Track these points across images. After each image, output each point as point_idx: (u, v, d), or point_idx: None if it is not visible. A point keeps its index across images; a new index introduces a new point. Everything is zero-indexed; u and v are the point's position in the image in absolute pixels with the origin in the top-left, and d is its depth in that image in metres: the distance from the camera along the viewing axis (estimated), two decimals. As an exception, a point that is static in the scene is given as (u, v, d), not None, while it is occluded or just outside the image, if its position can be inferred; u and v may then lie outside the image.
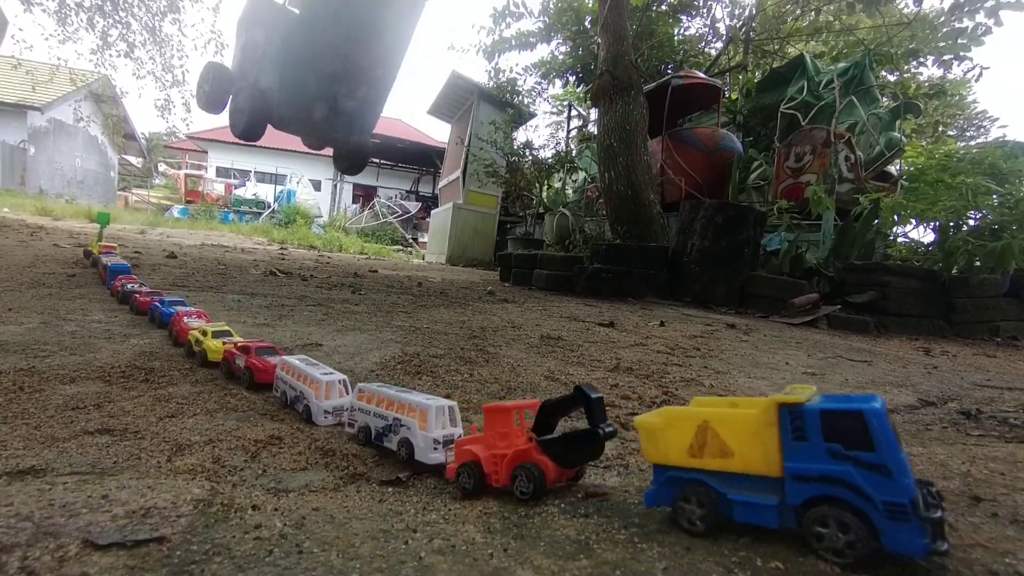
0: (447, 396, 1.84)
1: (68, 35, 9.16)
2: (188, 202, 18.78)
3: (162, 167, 26.23)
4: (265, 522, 0.88)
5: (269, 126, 3.46)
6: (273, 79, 3.27)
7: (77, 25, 9.11)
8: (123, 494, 0.92)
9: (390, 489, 1.12)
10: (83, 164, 19.64)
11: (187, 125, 10.99)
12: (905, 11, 8.73)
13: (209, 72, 3.56)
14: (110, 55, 9.38)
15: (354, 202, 22.26)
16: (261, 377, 1.77)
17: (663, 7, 9.74)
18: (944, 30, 7.34)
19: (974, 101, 15.05)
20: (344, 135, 3.76)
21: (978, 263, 4.84)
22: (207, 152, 24.11)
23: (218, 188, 20.70)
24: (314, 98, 3.46)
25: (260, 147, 23.44)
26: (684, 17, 10.52)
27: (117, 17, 9.20)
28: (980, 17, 6.17)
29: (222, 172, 22.80)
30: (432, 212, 14.20)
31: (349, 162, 4.01)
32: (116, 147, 21.31)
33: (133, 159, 24.98)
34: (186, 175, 20.86)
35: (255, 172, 22.26)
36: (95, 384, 1.69)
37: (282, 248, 9.54)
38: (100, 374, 1.79)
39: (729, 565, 0.77)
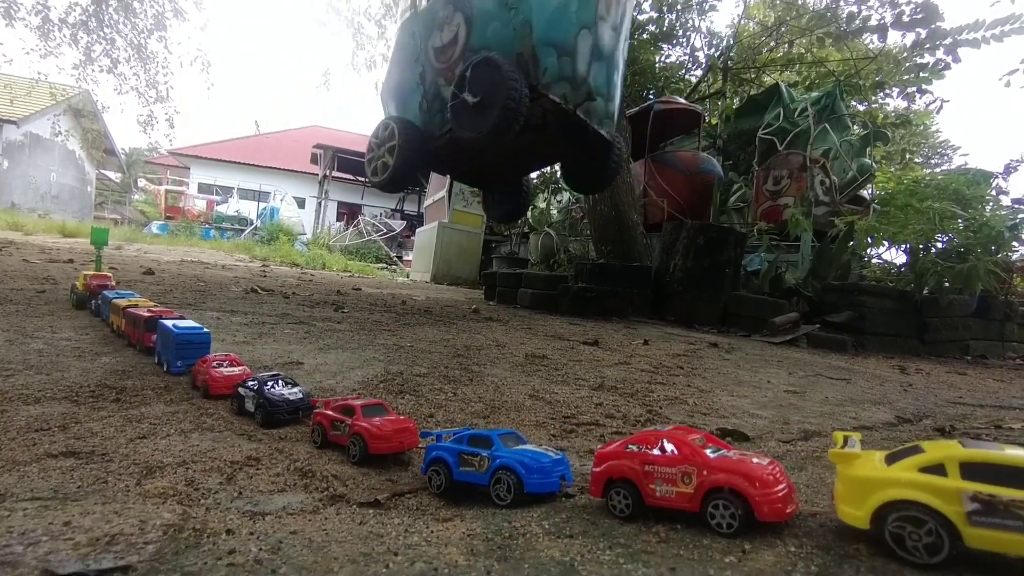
0: (430, 416, 1.81)
1: (50, 50, 9.06)
2: (168, 218, 18.46)
3: (142, 182, 25.80)
4: (239, 547, 0.84)
5: None
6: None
7: (60, 40, 9.02)
8: (87, 520, 0.88)
9: (371, 511, 1.08)
10: (59, 179, 19.22)
11: (170, 141, 10.86)
12: (871, 46, 9.20)
13: (391, 136, 3.62)
14: (92, 70, 9.29)
15: (338, 220, 22.14)
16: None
17: (644, 36, 10.07)
18: (907, 64, 7.74)
19: (937, 130, 15.80)
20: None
21: (947, 284, 5.01)
22: (189, 168, 23.84)
23: (199, 204, 20.41)
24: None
25: (244, 163, 23.31)
26: (665, 46, 10.89)
27: (102, 33, 9.15)
28: (940, 53, 6.52)
29: (204, 188, 22.53)
30: (417, 230, 14.20)
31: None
32: (95, 162, 20.94)
33: (112, 174, 24.54)
34: (166, 191, 20.56)
35: (238, 189, 22.05)
36: (62, 404, 1.63)
37: (264, 265, 9.40)
38: (67, 394, 1.72)
39: (715, 585, 0.77)
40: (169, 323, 2.14)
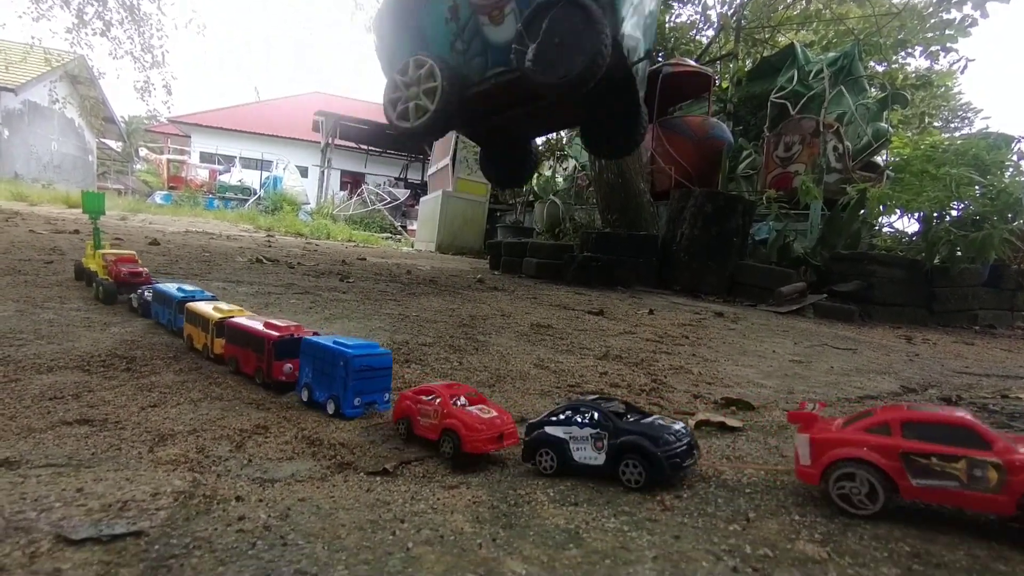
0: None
1: (42, 12, 8.81)
2: (171, 188, 18.36)
3: (143, 152, 25.54)
4: (249, 514, 0.86)
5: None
6: None
7: (51, 3, 8.75)
8: (99, 487, 0.89)
9: (378, 478, 1.10)
10: (60, 148, 19.05)
11: (168, 108, 10.67)
12: (895, 0, 8.74)
13: (430, 76, 3.10)
14: (86, 33, 9.05)
15: (342, 189, 21.94)
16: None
17: (655, -8, 9.66)
18: (932, 21, 7.37)
19: (959, 92, 15.20)
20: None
21: (959, 253, 4.92)
22: (190, 137, 23.52)
23: (202, 174, 20.24)
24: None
25: (245, 132, 22.96)
26: (676, 4, 10.42)
27: (93, -7, 8.87)
28: (967, 8, 6.20)
29: (206, 157, 22.28)
30: (421, 200, 14.06)
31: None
32: (94, 130, 20.69)
33: (112, 143, 24.29)
34: (168, 160, 20.36)
35: (240, 158, 21.80)
36: (74, 374, 1.65)
37: (269, 235, 9.39)
38: (79, 363, 1.74)
39: (719, 553, 0.77)
40: (328, 341, 1.52)
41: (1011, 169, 5.30)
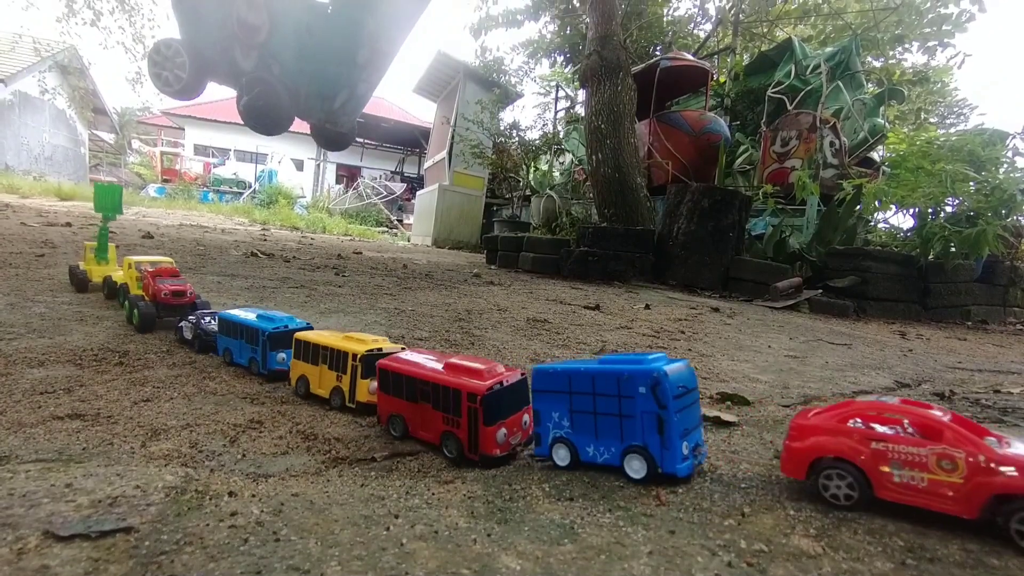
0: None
1: (31, 1, 8.67)
2: (165, 181, 18.21)
3: (136, 144, 25.29)
4: (241, 509, 0.85)
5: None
6: (298, 68, 3.11)
7: (40, -9, 8.62)
8: (90, 482, 0.88)
9: (372, 473, 1.10)
10: (51, 139, 18.82)
11: (160, 99, 10.56)
12: (893, -4, 8.72)
13: (177, 54, 3.31)
14: (76, 23, 8.92)
15: (338, 182, 21.82)
16: None
17: (653, -15, 9.60)
18: (930, 15, 7.37)
19: (955, 89, 15.23)
20: (351, 119, 3.68)
21: (954, 249, 4.94)
22: (183, 129, 23.30)
23: (196, 167, 20.08)
24: (341, 87, 3.33)
25: (240, 125, 22.72)
26: (674, -3, 10.38)
27: (82, -19, 8.73)
28: (965, 3, 6.21)
29: (200, 150, 22.10)
30: (417, 193, 14.01)
31: (338, 143, 3.94)
32: (86, 122, 20.45)
33: (105, 135, 24.02)
34: (162, 152, 20.19)
35: (234, 151, 21.63)
36: (66, 367, 1.63)
37: (264, 229, 9.33)
38: (71, 357, 1.73)
39: (714, 548, 0.77)
40: (591, 364, 1.04)
41: (1005, 165, 5.32)
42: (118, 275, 2.39)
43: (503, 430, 1.09)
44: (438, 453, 1.16)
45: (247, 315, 1.74)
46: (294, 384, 1.54)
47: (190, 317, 1.94)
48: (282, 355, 1.63)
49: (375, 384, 1.30)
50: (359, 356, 1.37)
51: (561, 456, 1.06)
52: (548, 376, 1.06)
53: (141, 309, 2.01)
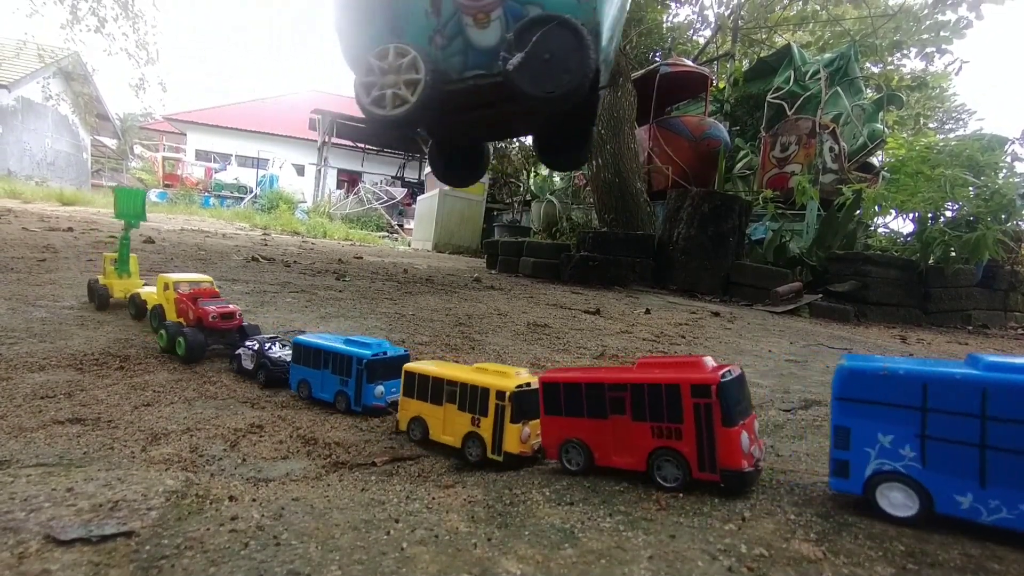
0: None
1: (35, 8, 8.74)
2: (166, 186, 18.26)
3: (138, 149, 25.40)
4: (242, 513, 0.85)
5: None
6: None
7: (45, -1, 8.69)
8: (90, 487, 0.88)
9: (373, 478, 1.10)
10: (54, 145, 18.92)
11: (163, 105, 10.64)
12: (890, 2, 8.79)
13: (413, 67, 3.01)
14: (80, 30, 8.99)
15: (338, 188, 21.88)
16: None
17: (653, -8, 9.67)
18: (927, 22, 7.42)
19: (954, 94, 15.30)
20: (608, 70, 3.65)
21: (954, 253, 4.95)
22: (185, 134, 23.40)
23: (197, 172, 20.15)
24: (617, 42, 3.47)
25: (241, 130, 22.85)
26: (673, 3, 10.44)
27: (87, -12, 8.81)
28: (962, 10, 6.24)
29: (201, 155, 22.18)
30: (418, 198, 14.04)
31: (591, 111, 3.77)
32: (88, 127, 20.56)
33: (107, 140, 24.14)
34: (163, 158, 20.25)
35: (236, 156, 21.70)
36: (66, 372, 1.63)
37: (265, 234, 9.35)
38: (72, 362, 1.73)
39: (714, 552, 0.77)
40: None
41: (1005, 170, 5.34)
42: (147, 293, 2.15)
43: (745, 434, 0.86)
44: (640, 484, 0.92)
45: (331, 341, 1.49)
46: (405, 428, 1.28)
47: (248, 343, 1.69)
48: (380, 388, 1.39)
49: (528, 430, 1.06)
50: (508, 394, 1.06)
51: (896, 502, 0.75)
52: (874, 380, 0.71)
53: (188, 337, 1.73)
